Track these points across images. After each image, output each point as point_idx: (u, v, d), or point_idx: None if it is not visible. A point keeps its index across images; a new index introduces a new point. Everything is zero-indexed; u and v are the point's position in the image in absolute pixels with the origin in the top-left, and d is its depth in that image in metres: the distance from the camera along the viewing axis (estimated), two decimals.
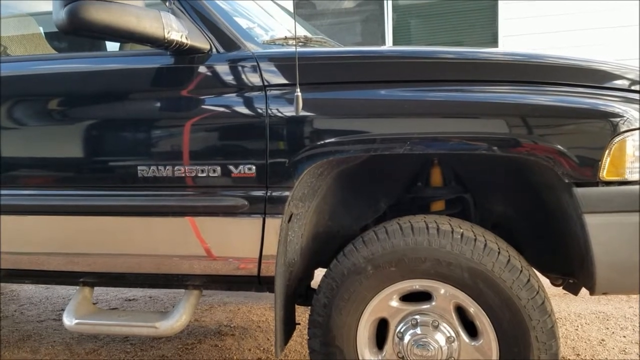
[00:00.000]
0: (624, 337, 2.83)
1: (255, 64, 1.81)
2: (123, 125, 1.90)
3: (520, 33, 4.31)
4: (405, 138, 1.73)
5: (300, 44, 2.16)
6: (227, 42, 1.85)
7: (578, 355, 2.61)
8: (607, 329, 2.94)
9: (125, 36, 1.69)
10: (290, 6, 4.87)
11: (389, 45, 4.61)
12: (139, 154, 1.86)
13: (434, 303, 1.80)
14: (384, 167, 2.10)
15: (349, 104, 1.78)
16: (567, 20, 4.23)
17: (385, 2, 4.64)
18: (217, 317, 3.29)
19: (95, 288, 2.23)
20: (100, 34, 1.65)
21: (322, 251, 2.20)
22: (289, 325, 1.98)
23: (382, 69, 1.84)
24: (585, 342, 2.77)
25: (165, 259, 1.96)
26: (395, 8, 4.75)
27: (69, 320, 2.03)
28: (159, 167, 1.82)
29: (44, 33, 3.10)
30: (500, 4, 4.35)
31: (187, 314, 1.96)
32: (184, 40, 1.76)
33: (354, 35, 5.15)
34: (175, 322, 1.94)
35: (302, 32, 2.45)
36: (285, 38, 2.06)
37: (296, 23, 2.09)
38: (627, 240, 1.60)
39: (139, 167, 1.84)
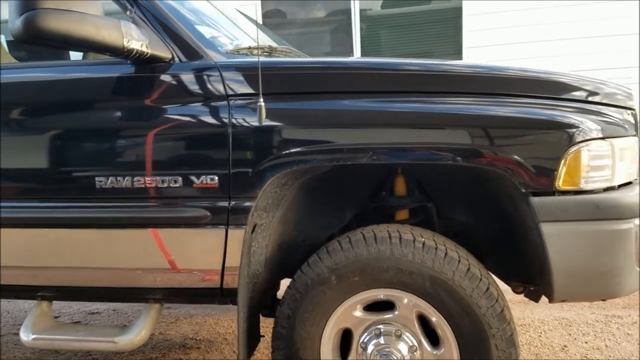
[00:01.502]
0: (586, 342, 2.89)
1: (218, 73, 1.79)
2: (81, 136, 1.87)
3: (483, 44, 4.40)
4: (368, 148, 1.74)
5: (265, 53, 2.15)
6: (190, 51, 1.83)
7: None
8: (570, 335, 3.00)
9: (83, 45, 1.66)
10: (258, 15, 4.87)
11: (357, 56, 4.65)
12: (96, 164, 1.83)
13: (396, 312, 1.80)
14: (349, 177, 2.11)
15: (312, 114, 1.78)
16: (530, 32, 4.34)
17: (352, 12, 4.68)
18: (183, 329, 3.24)
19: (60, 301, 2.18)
20: (57, 42, 1.62)
21: (287, 261, 2.19)
22: (253, 338, 1.96)
23: (345, 79, 1.84)
24: (548, 348, 2.82)
25: (126, 272, 1.92)
26: (363, 19, 4.80)
27: (25, 336, 1.97)
28: (118, 178, 1.79)
29: (6, 42, 3.03)
30: (464, 16, 4.43)
31: (147, 328, 1.92)
32: (144, 49, 1.74)
33: (322, 46, 5.18)
34: (135, 336, 1.90)
35: (267, 42, 2.45)
36: (249, 48, 2.05)
37: (259, 32, 2.09)
38: (583, 249, 1.64)
39: (96, 178, 1.80)
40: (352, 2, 4.68)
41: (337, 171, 1.96)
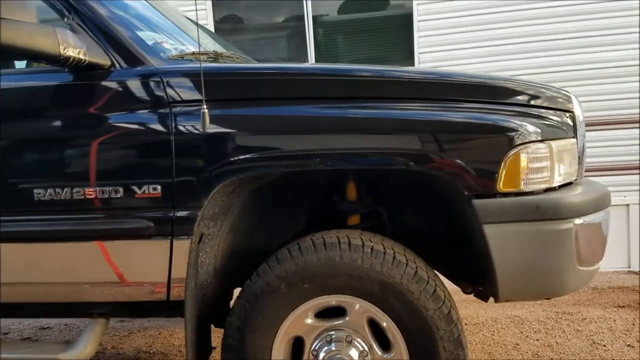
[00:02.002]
0: (537, 340, 2.96)
1: (159, 79, 1.76)
2: (18, 146, 1.80)
3: (435, 48, 4.48)
4: (315, 154, 1.73)
5: (210, 59, 2.13)
6: (130, 57, 1.79)
7: None
8: (522, 332, 3.06)
9: (17, 53, 1.62)
10: (209, 21, 4.82)
11: (311, 62, 4.66)
12: (34, 176, 1.76)
13: (347, 318, 1.80)
14: (301, 183, 2.10)
15: (258, 121, 1.77)
16: (480, 34, 4.45)
17: (305, 18, 4.69)
18: (136, 343, 3.16)
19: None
20: None
21: (239, 271, 2.16)
22: (203, 350, 1.92)
23: (291, 85, 1.83)
24: (500, 346, 2.87)
25: (70, 286, 1.86)
26: (319, 24, 4.81)
27: None
28: (57, 190, 1.73)
29: None
30: (414, 20, 4.51)
31: (93, 343, 1.86)
32: (81, 56, 1.69)
33: (278, 51, 5.16)
34: (80, 352, 1.84)
35: (212, 47, 2.42)
36: (193, 53, 2.02)
37: (203, 37, 2.06)
38: (525, 249, 1.67)
39: (35, 191, 1.74)
40: (305, 8, 4.68)
41: (289, 177, 1.95)
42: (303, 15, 4.73)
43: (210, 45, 2.58)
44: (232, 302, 2.26)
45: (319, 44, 4.84)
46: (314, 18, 4.74)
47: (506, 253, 1.67)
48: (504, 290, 1.71)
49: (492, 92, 1.82)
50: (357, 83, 1.85)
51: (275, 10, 5.06)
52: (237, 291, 2.26)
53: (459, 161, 1.67)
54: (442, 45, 4.49)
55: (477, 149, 1.70)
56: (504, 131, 1.68)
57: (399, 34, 4.70)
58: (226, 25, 5.13)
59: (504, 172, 1.66)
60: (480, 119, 1.72)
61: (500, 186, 1.67)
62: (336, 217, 2.18)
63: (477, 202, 1.66)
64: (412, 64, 4.52)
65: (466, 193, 1.67)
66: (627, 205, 4.44)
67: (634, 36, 4.35)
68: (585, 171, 2.05)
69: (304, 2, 4.68)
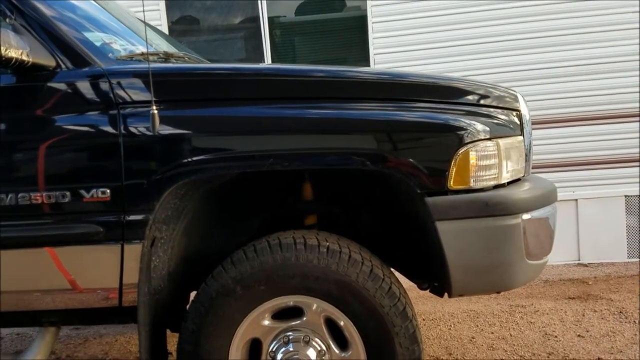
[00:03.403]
0: (492, 333, 3.03)
1: (107, 80, 1.71)
2: None
3: (389, 49, 4.54)
4: (268, 155, 1.73)
5: (160, 59, 2.09)
6: (76, 58, 1.74)
7: (450, 354, 2.75)
8: (477, 326, 3.14)
9: None
10: (163, 22, 4.74)
11: (267, 62, 4.64)
12: None
13: (305, 318, 1.80)
14: (256, 184, 2.09)
15: (210, 122, 1.75)
16: (434, 35, 4.53)
17: (261, 19, 4.67)
18: (92, 350, 3.07)
19: None
20: None
21: (195, 274, 2.13)
22: (159, 356, 1.89)
23: (245, 86, 1.82)
24: (457, 340, 2.93)
25: (20, 294, 1.79)
26: (273, 25, 4.80)
27: None
28: (1, 196, 1.67)
29: None
30: (369, 22, 4.55)
31: (43, 353, 1.81)
32: (24, 57, 1.63)
33: (233, 52, 5.12)
34: None
35: (163, 47, 2.38)
36: (142, 54, 1.98)
37: (153, 38, 2.02)
38: (475, 244, 1.71)
39: None
40: (260, 8, 4.66)
41: (243, 179, 1.93)
42: (258, 17, 4.71)
43: (163, 46, 2.53)
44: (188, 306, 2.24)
45: (276, 45, 4.83)
46: (270, 19, 4.72)
47: (457, 249, 1.70)
48: (457, 285, 1.74)
49: (443, 92, 1.85)
50: (311, 83, 1.85)
51: (231, 11, 5.02)
52: (193, 295, 2.25)
53: (411, 160, 1.70)
54: (397, 47, 4.55)
55: (429, 147, 1.73)
56: (453, 130, 1.72)
57: (355, 35, 4.74)
58: (181, 26, 5.06)
59: (454, 169, 1.69)
60: (431, 118, 1.75)
61: (451, 184, 1.70)
62: (293, 217, 2.18)
63: (429, 199, 1.69)
64: (368, 65, 4.57)
65: (419, 191, 1.70)
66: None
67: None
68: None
69: (259, 2, 4.66)
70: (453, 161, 1.69)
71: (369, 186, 2.06)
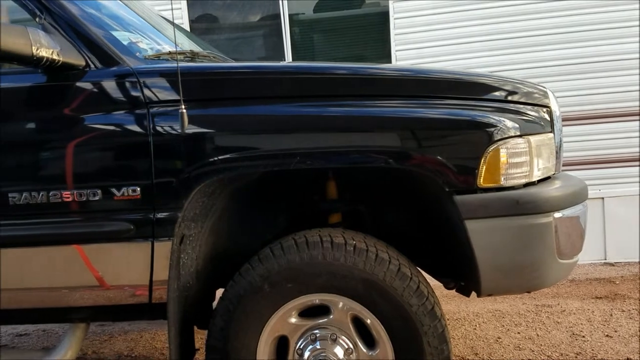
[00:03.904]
0: (518, 333, 2.99)
1: (136, 80, 1.73)
2: None
3: (411, 45, 4.51)
4: (295, 153, 1.72)
5: (187, 59, 2.10)
6: (105, 57, 1.75)
7: (476, 354, 2.72)
8: (503, 326, 3.10)
9: None
10: (184, 21, 4.77)
11: (288, 60, 4.64)
12: (8, 180, 1.72)
13: (331, 316, 1.80)
14: (281, 182, 2.09)
15: (237, 120, 1.75)
16: (457, 30, 4.49)
17: (282, 16, 4.67)
18: (117, 347, 3.11)
19: None
20: None
21: (221, 272, 2.14)
22: (187, 352, 1.90)
23: (271, 84, 1.82)
24: (482, 340, 2.90)
25: (50, 291, 1.82)
26: (294, 23, 4.80)
27: None
28: (32, 194, 1.69)
29: None
30: (391, 19, 4.52)
31: (73, 349, 1.84)
32: (54, 57, 1.65)
33: (255, 50, 5.13)
34: (60, 358, 1.79)
35: (189, 47, 2.40)
36: (170, 53, 1.99)
37: (180, 37, 2.03)
38: (506, 243, 1.69)
39: (9, 195, 1.70)
40: (280, 6, 4.66)
41: (269, 177, 1.93)
42: (279, 14, 4.71)
43: (187, 44, 2.55)
44: (214, 304, 2.25)
45: (296, 43, 4.83)
46: (291, 17, 4.72)
47: (487, 248, 1.68)
48: (486, 285, 1.72)
49: (470, 88, 1.82)
50: (336, 81, 1.84)
51: (251, 9, 5.03)
52: (219, 292, 2.26)
53: (439, 158, 1.68)
54: (419, 43, 4.52)
55: (457, 145, 1.71)
56: (483, 127, 1.70)
57: (376, 31, 4.71)
58: (201, 25, 5.09)
59: (484, 167, 1.67)
60: (459, 115, 1.73)
61: (481, 182, 1.68)
62: (317, 216, 2.17)
63: (458, 198, 1.67)
64: (389, 62, 4.54)
65: (447, 189, 1.68)
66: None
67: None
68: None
69: (280, 0, 4.66)
70: (483, 159, 1.67)
71: (395, 185, 2.05)
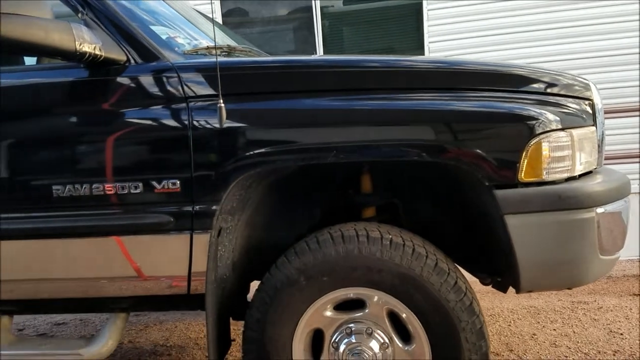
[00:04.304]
0: (554, 330, 2.95)
1: (176, 74, 1.75)
2: (35, 143, 1.80)
3: (445, 37, 4.45)
4: (332, 147, 1.72)
5: (224, 53, 2.11)
6: (145, 52, 1.78)
7: (511, 350, 2.69)
8: (538, 322, 3.05)
9: (32, 50, 1.61)
10: (217, 15, 4.80)
11: (319, 53, 4.64)
12: (52, 172, 1.76)
13: (367, 310, 1.80)
14: (316, 176, 2.09)
15: (274, 114, 1.76)
16: (491, 22, 4.41)
17: (314, 9, 4.66)
18: (153, 336, 3.17)
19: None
20: (4, 48, 1.55)
21: (256, 264, 2.16)
22: (223, 342, 1.93)
23: (307, 78, 1.82)
24: (517, 337, 2.86)
25: (90, 282, 1.86)
26: (324, 15, 4.78)
27: None
28: (76, 186, 1.73)
29: None
30: (424, 9, 4.47)
31: (114, 338, 1.88)
32: (97, 52, 1.68)
33: (285, 44, 5.14)
34: (101, 347, 1.85)
35: (226, 41, 2.41)
36: (207, 47, 2.01)
37: (217, 31, 2.04)
38: (547, 239, 1.66)
39: (53, 187, 1.74)
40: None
41: (303, 170, 1.94)
42: (311, 7, 4.70)
43: (224, 39, 2.56)
44: (249, 296, 2.27)
45: (327, 36, 4.82)
46: (322, 9, 4.71)
47: (528, 244, 1.65)
48: (526, 281, 1.70)
49: (507, 80, 1.79)
50: (372, 74, 1.83)
51: (282, 3, 5.04)
52: (254, 284, 2.28)
53: (478, 151, 1.65)
54: (452, 34, 4.46)
55: (497, 138, 1.68)
56: (524, 120, 1.66)
57: (409, 23, 4.67)
58: (234, 19, 5.12)
59: (526, 161, 1.64)
60: (498, 107, 1.70)
61: (522, 176, 1.65)
62: (351, 210, 2.17)
63: (498, 192, 1.65)
64: (422, 54, 4.49)
65: (487, 183, 1.66)
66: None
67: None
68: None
69: None
70: (524, 153, 1.64)
71: (431, 178, 2.03)
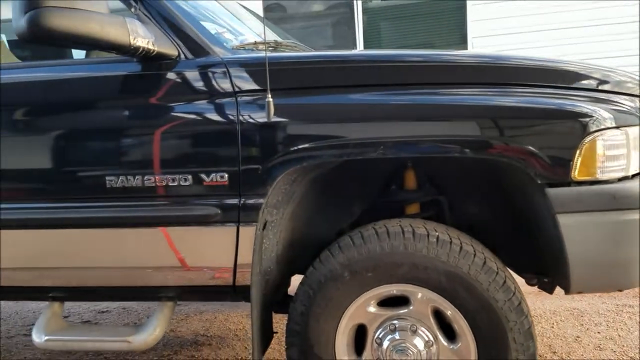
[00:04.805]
0: (599, 333, 2.87)
1: (225, 69, 1.77)
2: (89, 135, 1.85)
3: (489, 34, 4.37)
4: (378, 142, 1.72)
5: (271, 48, 2.13)
6: (195, 47, 1.81)
7: (554, 352, 2.64)
8: (582, 325, 2.98)
9: (88, 43, 1.64)
10: (259, 9, 4.84)
11: (360, 48, 4.62)
12: (106, 164, 1.81)
13: (411, 307, 1.79)
14: (358, 171, 2.09)
15: (321, 109, 1.76)
16: (535, 20, 4.31)
17: (355, 4, 4.64)
18: (194, 326, 3.23)
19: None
20: (62, 41, 1.60)
21: (298, 258, 2.18)
22: (266, 335, 1.95)
23: (353, 73, 1.82)
24: (561, 339, 2.80)
25: (137, 270, 1.91)
26: (365, 10, 4.76)
27: (38, 338, 1.96)
28: (128, 177, 1.77)
29: (7, 41, 3.01)
30: (468, 5, 4.39)
31: (161, 326, 1.92)
32: (150, 46, 1.72)
33: (324, 39, 5.14)
34: (149, 335, 1.89)
35: (272, 36, 2.43)
36: (255, 43, 2.03)
37: (265, 27, 2.06)
38: (600, 239, 1.62)
39: (107, 178, 1.79)
40: None
41: (346, 166, 1.94)
42: (351, 2, 4.68)
43: (270, 34, 2.58)
44: (289, 289, 2.30)
45: (367, 30, 4.80)
46: (364, 4, 4.69)
47: (580, 244, 1.62)
48: (577, 282, 1.66)
49: (557, 76, 1.75)
50: (420, 69, 1.82)
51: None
52: (294, 278, 2.30)
53: (530, 148, 1.62)
54: (496, 31, 4.37)
55: (549, 135, 1.65)
56: (578, 117, 1.63)
57: (452, 19, 4.60)
58: (274, 14, 5.15)
59: (580, 159, 1.61)
60: (548, 103, 1.67)
61: (575, 174, 1.62)
62: (392, 206, 2.16)
63: (551, 191, 1.62)
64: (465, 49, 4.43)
65: (539, 182, 1.63)
66: None
67: None
68: None
69: None
70: (579, 150, 1.60)
71: (477, 176, 2.00)
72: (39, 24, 1.51)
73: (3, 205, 1.89)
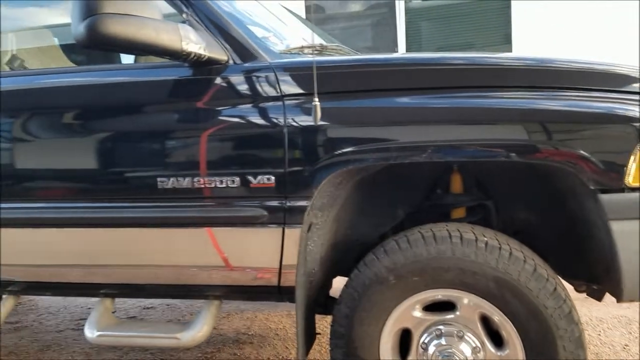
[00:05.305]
0: None
1: (273, 74, 1.80)
2: (142, 138, 1.91)
3: (533, 34, 4.28)
4: (424, 146, 1.72)
5: (315, 52, 2.15)
6: (244, 52, 1.84)
7: None
8: (630, 333, 2.89)
9: (144, 49, 1.69)
10: (298, 9, 4.87)
11: (402, 49, 4.59)
12: (158, 165, 1.86)
13: (458, 313, 1.77)
14: (403, 175, 2.08)
15: (367, 113, 1.77)
16: (581, 21, 4.20)
17: (397, 4, 4.62)
18: (235, 325, 3.28)
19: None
20: (119, 47, 1.66)
21: (341, 260, 2.19)
22: (310, 336, 1.97)
23: (399, 76, 1.82)
24: (608, 347, 2.73)
25: (184, 269, 1.96)
26: (406, 11, 4.74)
27: (90, 333, 2.03)
28: (179, 179, 1.82)
29: (60, 45, 3.12)
30: (513, 4, 4.31)
31: (209, 324, 1.96)
32: (201, 52, 1.76)
33: (365, 40, 5.13)
34: (197, 332, 1.93)
35: (317, 40, 2.44)
36: (302, 47, 2.05)
37: (313, 32, 2.08)
38: None
39: (158, 179, 1.84)
40: None
41: (392, 169, 1.94)
42: (393, 3, 4.66)
43: (315, 38, 2.60)
44: (330, 291, 2.31)
45: (408, 31, 4.77)
46: (406, 5, 4.66)
47: (634, 251, 1.57)
48: (629, 290, 1.62)
49: (606, 79, 1.71)
50: (466, 72, 1.81)
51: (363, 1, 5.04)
52: (336, 281, 2.31)
53: (582, 152, 1.59)
54: (541, 31, 4.28)
55: (601, 140, 1.62)
56: (631, 121, 1.59)
57: (495, 19, 4.53)
58: (315, 16, 5.17)
59: (634, 165, 1.56)
60: (597, 107, 1.63)
61: (630, 180, 1.57)
62: (436, 210, 2.14)
63: (604, 197, 1.58)
64: (509, 51, 4.35)
65: (592, 187, 1.59)
66: None
67: None
68: None
69: None
70: (633, 156, 1.56)
71: (526, 181, 1.97)
72: (97, 30, 1.56)
73: (60, 205, 1.97)
